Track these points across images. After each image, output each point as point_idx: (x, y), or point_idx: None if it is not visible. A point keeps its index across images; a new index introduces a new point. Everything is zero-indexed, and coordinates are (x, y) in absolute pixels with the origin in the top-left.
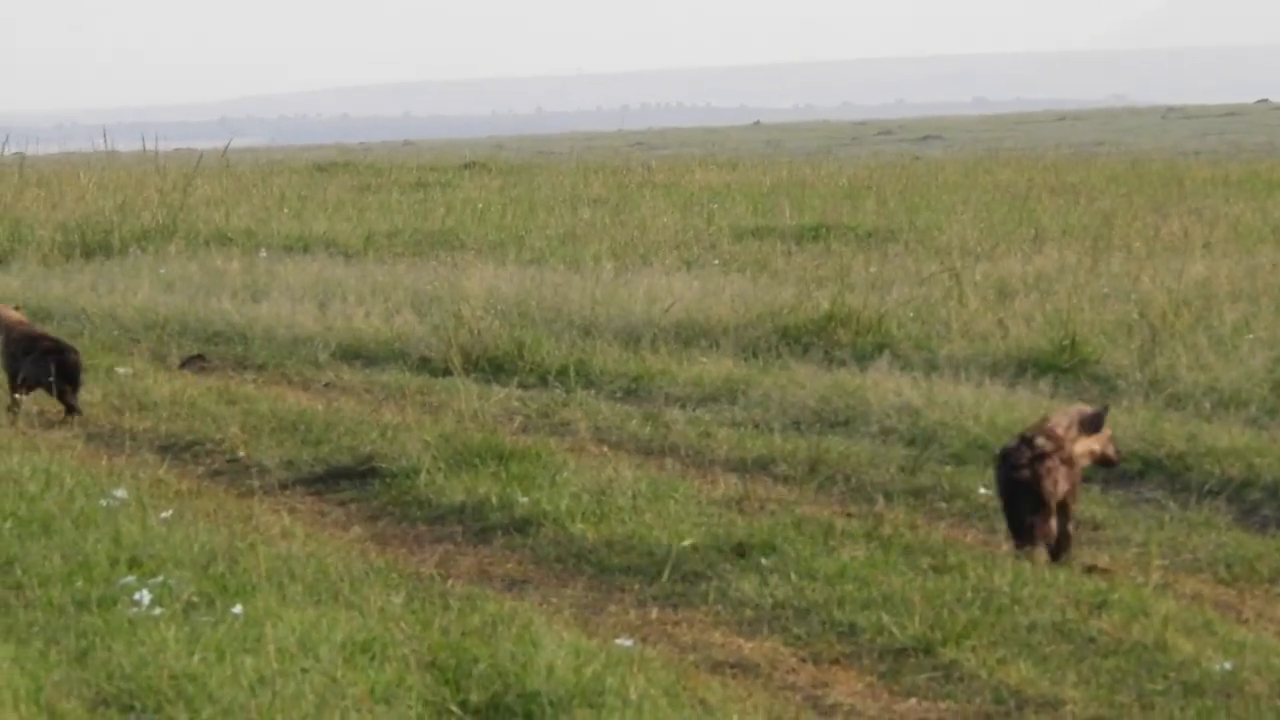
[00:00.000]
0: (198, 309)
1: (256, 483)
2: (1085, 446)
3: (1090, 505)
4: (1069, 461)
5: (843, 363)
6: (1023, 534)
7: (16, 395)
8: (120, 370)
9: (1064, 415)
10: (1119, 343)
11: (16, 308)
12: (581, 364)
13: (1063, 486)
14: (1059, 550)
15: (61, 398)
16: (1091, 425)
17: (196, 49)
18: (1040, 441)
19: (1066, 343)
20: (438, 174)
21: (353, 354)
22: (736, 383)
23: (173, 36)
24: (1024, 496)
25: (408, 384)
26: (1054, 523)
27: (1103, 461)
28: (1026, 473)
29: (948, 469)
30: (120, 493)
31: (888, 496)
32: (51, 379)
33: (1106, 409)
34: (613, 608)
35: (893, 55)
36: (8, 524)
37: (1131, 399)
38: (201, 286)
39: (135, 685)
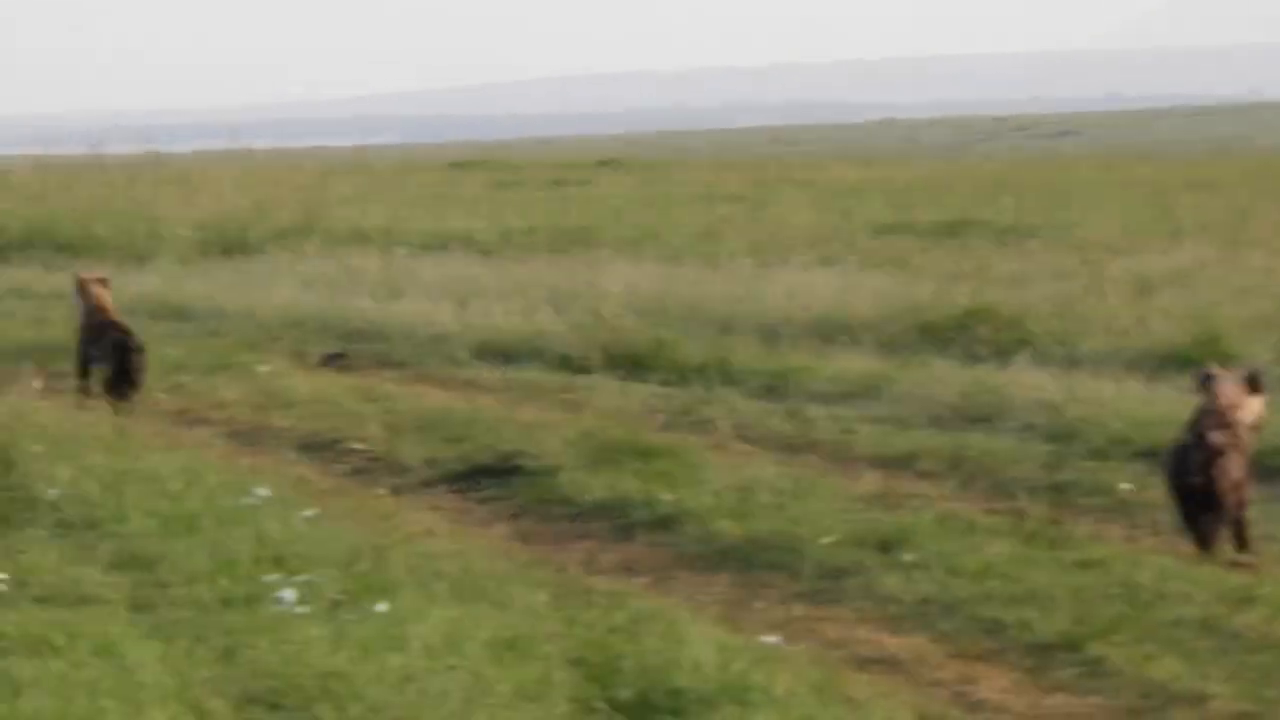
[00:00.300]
0: (337, 307)
1: (399, 481)
2: (1254, 412)
3: None
4: (1242, 447)
5: (982, 359)
6: (1201, 539)
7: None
8: (261, 368)
9: (1227, 385)
10: (1259, 338)
11: (103, 280)
12: (721, 361)
13: (1237, 475)
14: (1241, 541)
15: (115, 390)
16: (1253, 384)
17: (332, 48)
18: (1214, 438)
19: (1206, 338)
20: (574, 171)
21: (492, 351)
22: (877, 379)
23: (308, 36)
24: (1199, 501)
25: (548, 381)
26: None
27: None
28: (1200, 479)
29: (1089, 465)
30: (263, 491)
31: (1030, 492)
32: (111, 370)
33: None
34: (757, 604)
35: (1026, 50)
36: (152, 523)
37: (1273, 394)
38: (340, 284)
39: (281, 683)
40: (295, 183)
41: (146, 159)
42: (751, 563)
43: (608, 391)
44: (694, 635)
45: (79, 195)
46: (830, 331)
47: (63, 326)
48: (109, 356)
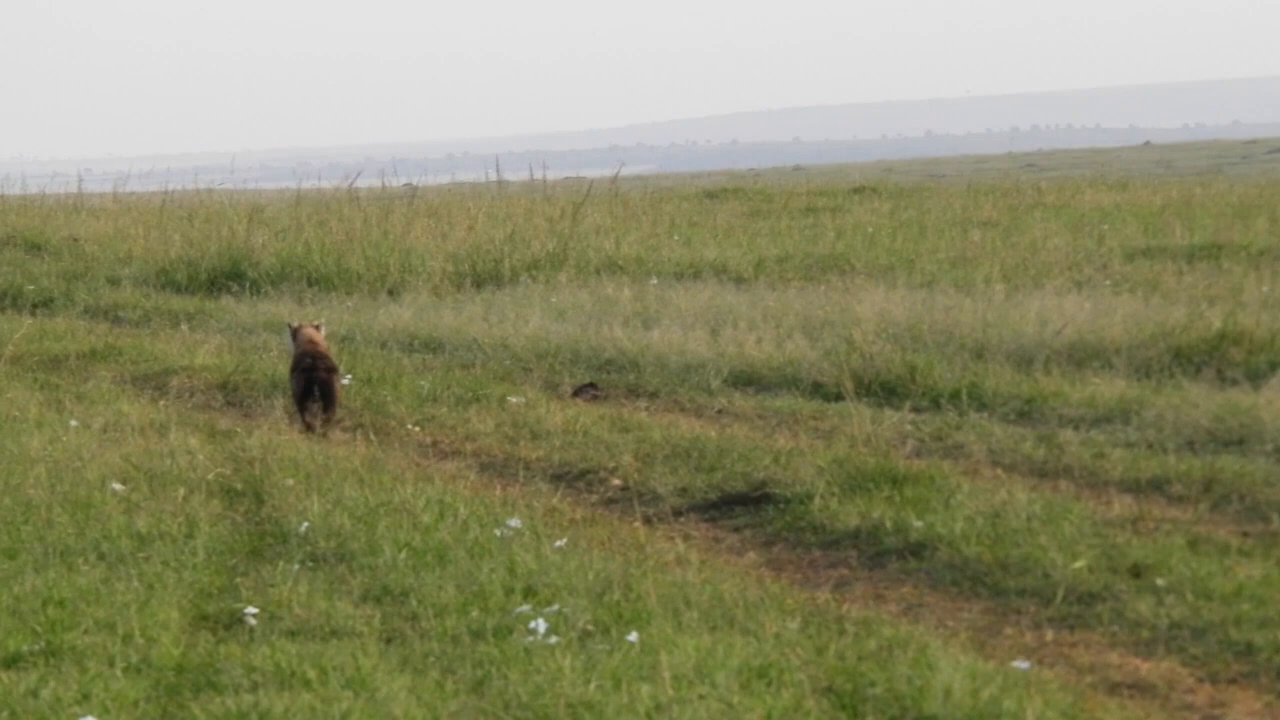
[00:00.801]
0: (589, 337)
1: (650, 510)
2: None
3: None
4: None
5: (1235, 382)
6: None
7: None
8: (513, 399)
9: None
10: None
11: (316, 326)
12: (974, 386)
13: None
14: None
15: (301, 413)
16: None
17: (586, 78)
18: None
19: None
20: (827, 198)
21: (745, 380)
22: (1130, 403)
23: (562, 66)
24: None
25: (800, 409)
26: None
27: None
28: None
29: None
30: (514, 522)
31: None
32: (300, 395)
33: None
34: (1008, 630)
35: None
36: (402, 555)
37: None
38: (593, 314)
39: (532, 714)
40: (549, 213)
41: (401, 192)
42: (1002, 588)
43: (860, 418)
44: (945, 662)
45: (333, 228)
46: (1083, 356)
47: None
48: (299, 380)
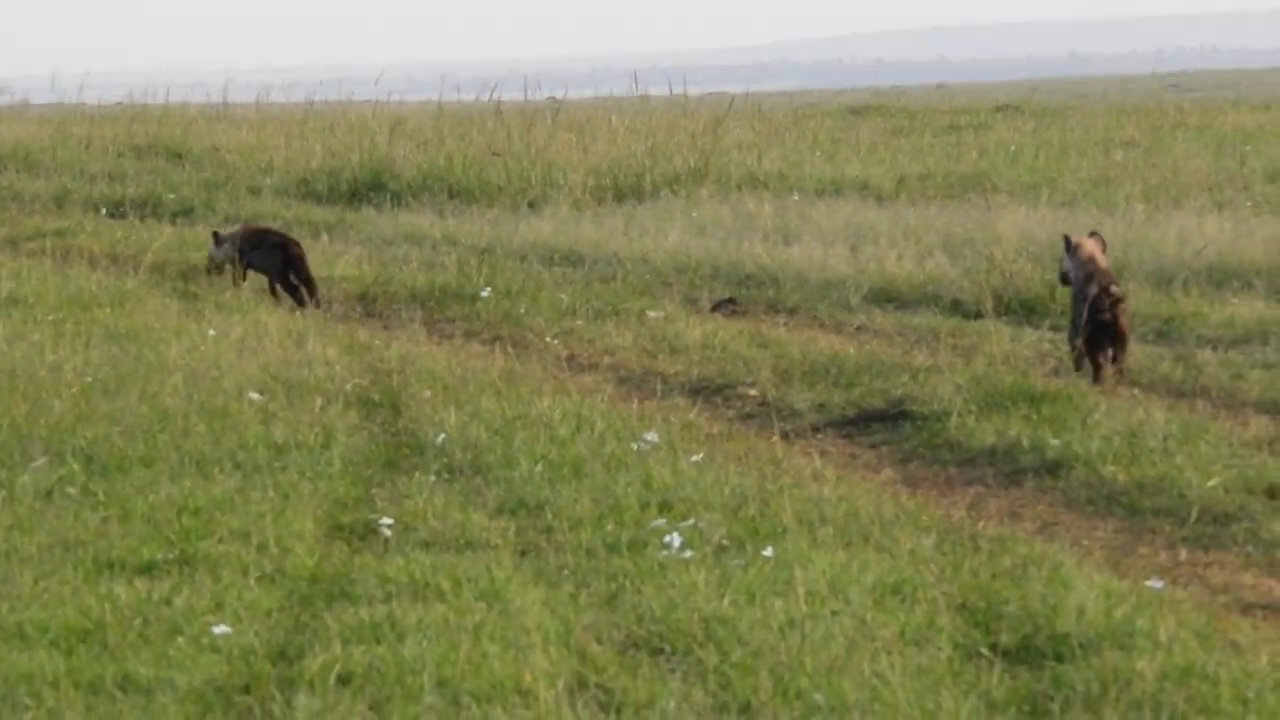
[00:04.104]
0: (729, 252)
1: (787, 426)
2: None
3: None
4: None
5: None
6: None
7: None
8: (651, 314)
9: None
10: None
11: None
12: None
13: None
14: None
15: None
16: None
17: None
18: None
19: None
20: (970, 116)
21: (884, 297)
22: (1268, 324)
23: None
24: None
25: (939, 326)
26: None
27: None
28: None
29: None
30: (651, 436)
31: None
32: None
33: None
34: (1143, 549)
35: None
36: (539, 467)
37: None
38: (733, 230)
39: (665, 628)
40: (691, 129)
41: (544, 105)
42: (1138, 508)
43: (999, 337)
44: (1079, 580)
45: (475, 141)
46: (1222, 276)
47: (456, 272)
48: (270, 260)
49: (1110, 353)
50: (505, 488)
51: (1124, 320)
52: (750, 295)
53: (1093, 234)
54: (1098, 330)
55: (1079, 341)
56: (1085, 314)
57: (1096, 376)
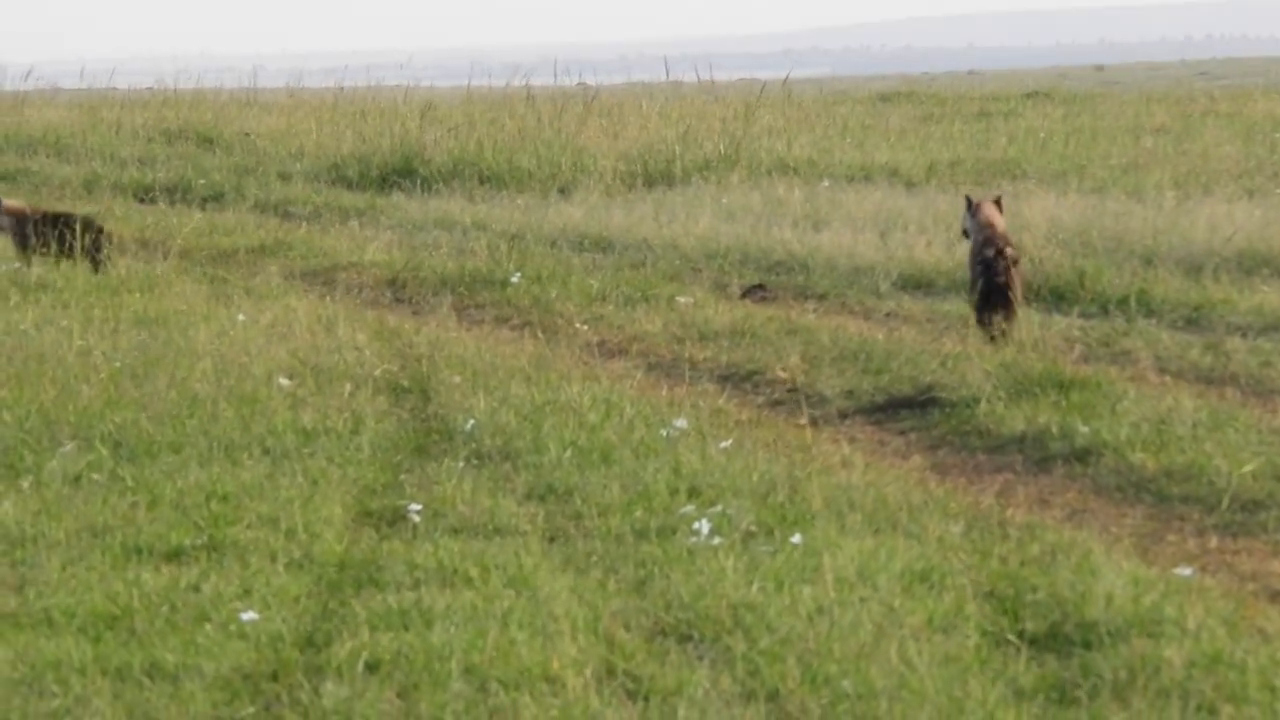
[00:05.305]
0: (759, 238)
1: (816, 412)
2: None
3: None
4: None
5: None
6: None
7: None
8: (681, 299)
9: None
10: None
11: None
12: (1142, 293)
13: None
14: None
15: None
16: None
17: None
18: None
19: None
20: (1000, 103)
21: (913, 283)
22: None
23: None
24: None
25: (968, 313)
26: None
27: None
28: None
29: None
30: (680, 422)
31: None
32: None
33: None
34: (1171, 537)
35: None
36: (567, 453)
37: None
38: (763, 216)
39: (693, 615)
40: (721, 115)
41: (576, 91)
42: (1167, 495)
43: (1028, 323)
44: (1107, 568)
45: (505, 127)
46: (1252, 264)
47: (486, 258)
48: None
49: (1002, 314)
50: (534, 474)
51: (1016, 283)
52: (780, 281)
53: (996, 199)
54: (992, 291)
55: (972, 299)
56: (980, 275)
57: (990, 337)
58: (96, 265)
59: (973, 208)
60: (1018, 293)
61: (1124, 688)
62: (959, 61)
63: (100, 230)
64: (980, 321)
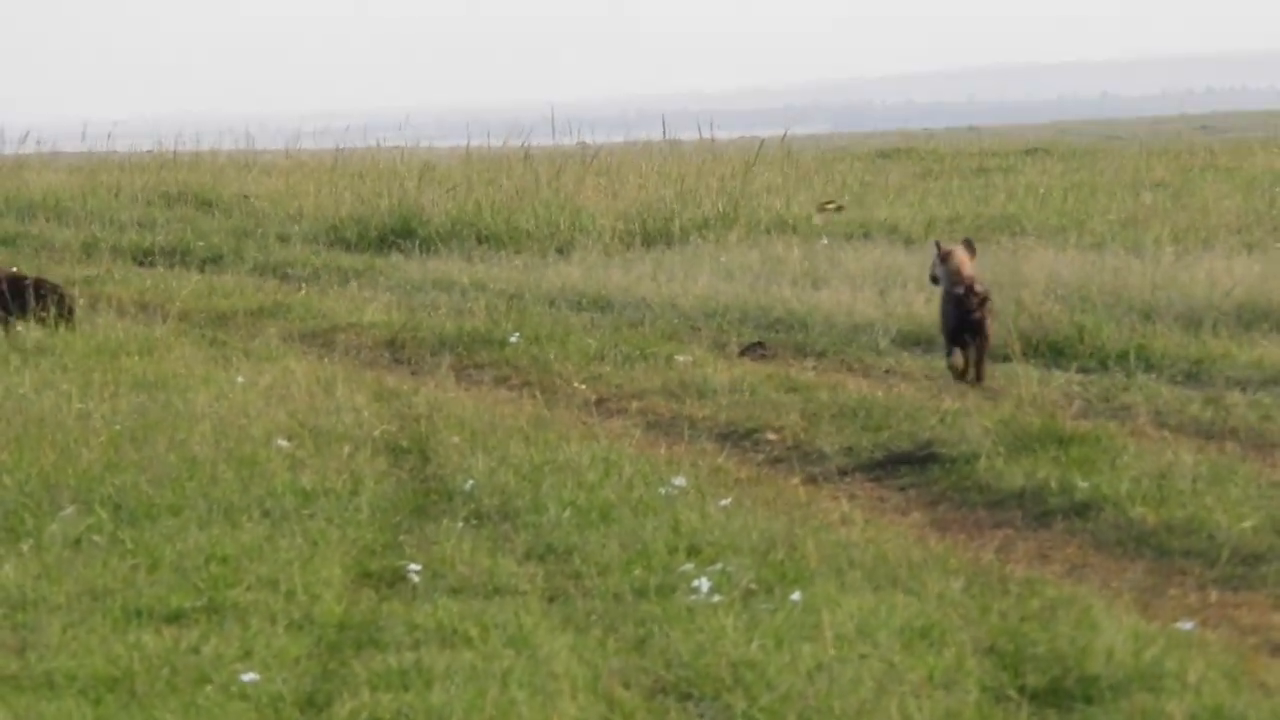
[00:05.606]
0: (758, 296)
1: (815, 469)
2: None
3: None
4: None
5: None
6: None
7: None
8: (680, 358)
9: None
10: None
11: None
12: (1141, 348)
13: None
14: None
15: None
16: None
17: (761, 33)
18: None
19: None
20: (999, 159)
21: (912, 340)
22: None
23: (736, 23)
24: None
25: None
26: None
27: None
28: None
29: None
30: (679, 480)
31: None
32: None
33: None
34: (1172, 591)
35: None
36: (567, 513)
37: None
38: (761, 274)
39: (693, 673)
40: (720, 172)
41: (574, 150)
42: (1167, 549)
43: (1027, 379)
44: (1108, 622)
45: (504, 187)
46: (1252, 318)
47: (484, 318)
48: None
49: (972, 352)
50: (533, 533)
51: (988, 319)
52: (779, 339)
53: (965, 241)
54: (963, 328)
55: (944, 339)
56: (952, 311)
57: (962, 374)
58: (67, 323)
59: (942, 254)
60: (989, 327)
61: None
62: (960, 116)
63: (59, 292)
64: (949, 355)
